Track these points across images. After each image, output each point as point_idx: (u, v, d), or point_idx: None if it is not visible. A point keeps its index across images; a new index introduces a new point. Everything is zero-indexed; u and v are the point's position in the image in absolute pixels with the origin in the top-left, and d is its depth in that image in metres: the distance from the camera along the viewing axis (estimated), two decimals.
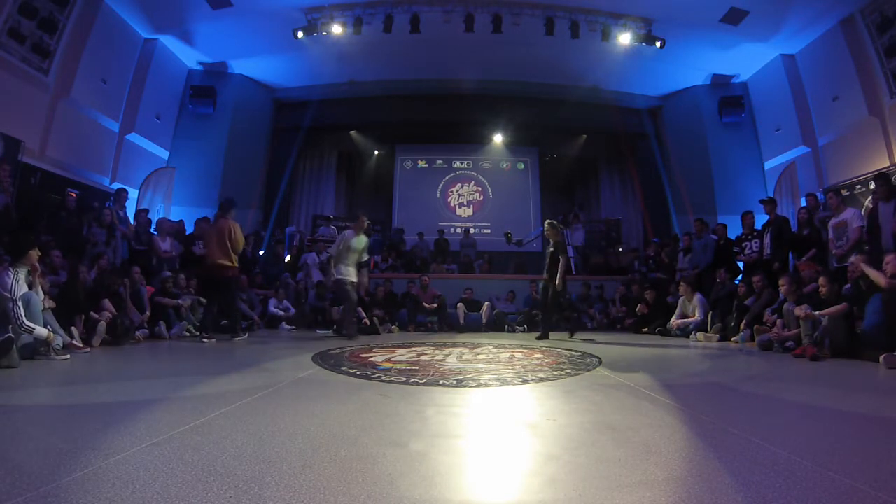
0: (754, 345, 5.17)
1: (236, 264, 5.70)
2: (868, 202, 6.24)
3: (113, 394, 2.60)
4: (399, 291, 8.30)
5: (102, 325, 4.64)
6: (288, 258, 9.60)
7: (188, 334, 5.86)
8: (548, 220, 6.42)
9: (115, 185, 8.23)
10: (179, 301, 6.04)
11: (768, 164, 10.20)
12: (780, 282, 5.19)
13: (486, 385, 2.92)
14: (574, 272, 9.76)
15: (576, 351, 4.71)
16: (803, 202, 8.20)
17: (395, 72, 10.95)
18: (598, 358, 4.12)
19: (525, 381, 3.07)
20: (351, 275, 6.14)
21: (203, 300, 6.09)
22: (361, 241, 6.29)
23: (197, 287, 6.45)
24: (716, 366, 4.09)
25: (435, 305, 7.84)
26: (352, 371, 3.35)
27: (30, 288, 3.76)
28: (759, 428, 1.94)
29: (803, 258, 6.10)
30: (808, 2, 7.93)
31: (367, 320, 6.89)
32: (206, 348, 4.92)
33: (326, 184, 13.71)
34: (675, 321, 6.70)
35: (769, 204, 6.78)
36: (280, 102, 11.80)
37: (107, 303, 4.91)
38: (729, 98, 10.44)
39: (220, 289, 5.62)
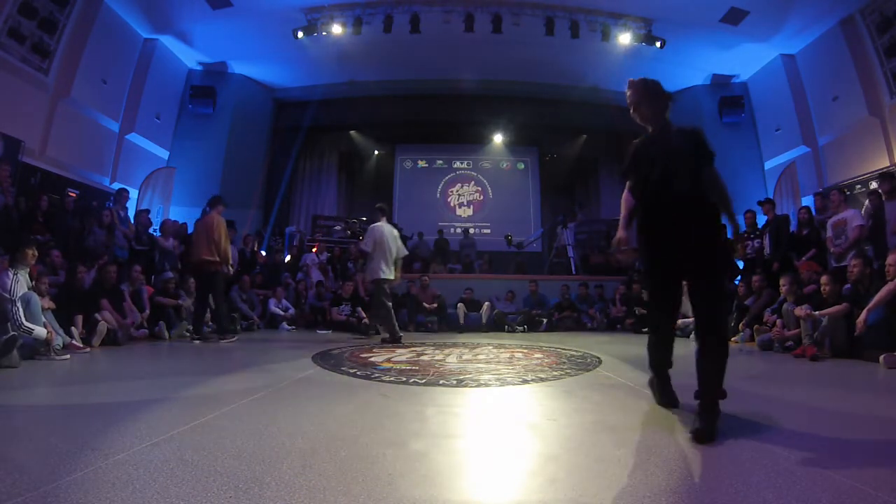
0: (754, 345, 5.17)
1: (221, 259, 5.45)
2: (867, 203, 6.22)
3: (113, 394, 2.60)
4: (399, 291, 8.29)
5: (103, 326, 4.64)
6: (288, 258, 9.60)
7: (187, 334, 5.86)
8: (637, 80, 2.34)
9: (116, 186, 8.23)
10: (179, 301, 6.04)
11: (768, 164, 10.20)
12: (781, 282, 5.19)
13: (487, 385, 2.92)
14: (574, 272, 9.77)
15: (576, 351, 4.71)
16: (804, 202, 8.22)
17: (395, 72, 10.94)
18: (598, 358, 4.12)
19: (525, 382, 3.07)
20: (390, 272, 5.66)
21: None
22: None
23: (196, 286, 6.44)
24: None
25: (435, 305, 7.83)
26: (352, 371, 3.35)
27: (29, 288, 3.76)
28: (758, 428, 1.94)
29: (803, 258, 6.10)
30: (808, 2, 7.92)
31: (367, 320, 6.89)
32: (207, 348, 4.92)
33: (326, 184, 13.70)
34: None
35: (767, 205, 6.79)
36: (280, 102, 11.80)
37: (106, 303, 4.90)
38: (729, 98, 10.44)
39: (205, 286, 5.51)
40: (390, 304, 5.67)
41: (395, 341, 5.41)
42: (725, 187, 2.13)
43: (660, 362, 2.38)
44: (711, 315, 2.06)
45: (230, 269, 5.82)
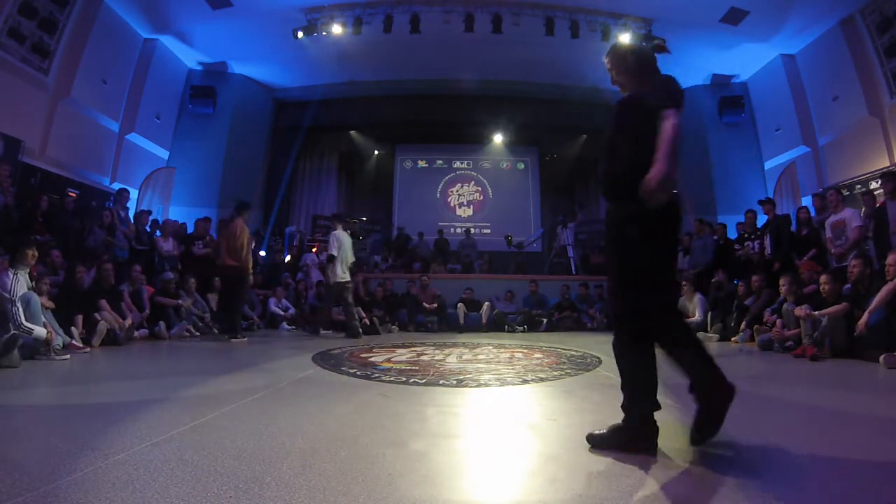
0: (754, 345, 5.17)
1: (243, 267, 5.76)
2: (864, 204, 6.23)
3: (113, 394, 2.60)
4: (399, 291, 8.30)
5: (103, 325, 4.64)
6: (288, 258, 9.60)
7: (188, 334, 5.86)
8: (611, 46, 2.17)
9: (116, 186, 8.22)
10: (179, 301, 6.05)
11: (768, 164, 10.20)
12: (781, 281, 5.19)
13: (487, 385, 2.92)
14: (574, 272, 9.78)
15: (576, 351, 4.71)
16: (804, 202, 8.22)
17: (395, 72, 10.94)
18: (598, 358, 4.12)
19: (525, 382, 3.07)
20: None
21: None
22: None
23: (196, 287, 6.46)
24: None
25: (435, 305, 7.84)
26: (352, 371, 3.35)
27: (29, 289, 3.76)
28: (759, 428, 1.94)
29: (804, 258, 6.10)
30: (808, 2, 7.91)
31: (367, 320, 6.89)
32: (206, 348, 4.92)
33: (326, 184, 13.70)
34: None
35: (767, 205, 6.78)
36: (280, 102, 11.80)
37: (104, 303, 4.89)
38: (729, 98, 10.43)
39: (227, 288, 5.94)
40: (331, 305, 6.56)
41: (314, 333, 6.38)
42: (672, 135, 1.54)
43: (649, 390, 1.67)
44: (655, 328, 1.68)
45: (251, 277, 6.24)
